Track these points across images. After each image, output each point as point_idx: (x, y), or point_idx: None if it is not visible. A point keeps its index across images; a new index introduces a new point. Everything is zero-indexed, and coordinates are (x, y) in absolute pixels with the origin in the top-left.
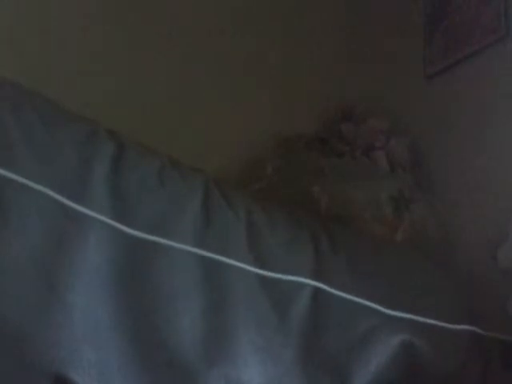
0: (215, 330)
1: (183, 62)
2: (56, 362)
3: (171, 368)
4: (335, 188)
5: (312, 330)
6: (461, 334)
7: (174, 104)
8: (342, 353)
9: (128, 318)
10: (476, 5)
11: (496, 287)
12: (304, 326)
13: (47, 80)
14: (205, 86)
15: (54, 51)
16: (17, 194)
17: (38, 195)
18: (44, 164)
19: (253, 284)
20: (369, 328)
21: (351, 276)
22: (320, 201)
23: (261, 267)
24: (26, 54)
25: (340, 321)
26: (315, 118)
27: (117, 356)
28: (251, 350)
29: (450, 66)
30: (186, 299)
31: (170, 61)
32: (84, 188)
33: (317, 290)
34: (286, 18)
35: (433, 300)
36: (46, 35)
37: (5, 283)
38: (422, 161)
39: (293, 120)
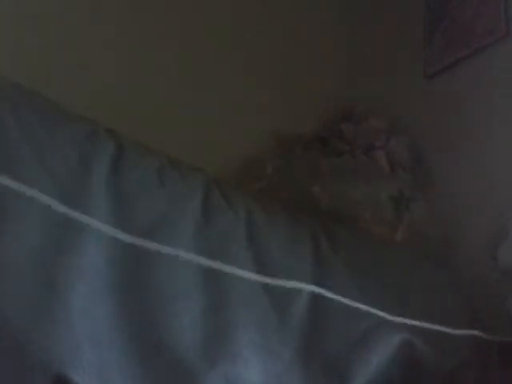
0: (215, 329)
1: (183, 61)
2: (56, 362)
3: (171, 368)
4: (335, 188)
5: (312, 330)
6: (463, 339)
7: (174, 104)
8: (342, 352)
9: (128, 318)
10: (476, 5)
11: (496, 287)
12: (304, 326)
13: (47, 80)
14: (204, 86)
15: (54, 50)
16: (16, 194)
17: (37, 195)
18: (44, 164)
19: (253, 286)
20: (369, 328)
21: (351, 277)
22: (320, 201)
23: (261, 271)
24: (26, 53)
25: (340, 322)
26: (315, 118)
27: (117, 356)
28: (251, 349)
29: (449, 65)
30: (186, 299)
31: (169, 61)
32: (84, 188)
33: (316, 293)
34: (285, 18)
35: (434, 302)
36: (46, 35)
37: (5, 283)
38: (422, 160)
39: (293, 120)
